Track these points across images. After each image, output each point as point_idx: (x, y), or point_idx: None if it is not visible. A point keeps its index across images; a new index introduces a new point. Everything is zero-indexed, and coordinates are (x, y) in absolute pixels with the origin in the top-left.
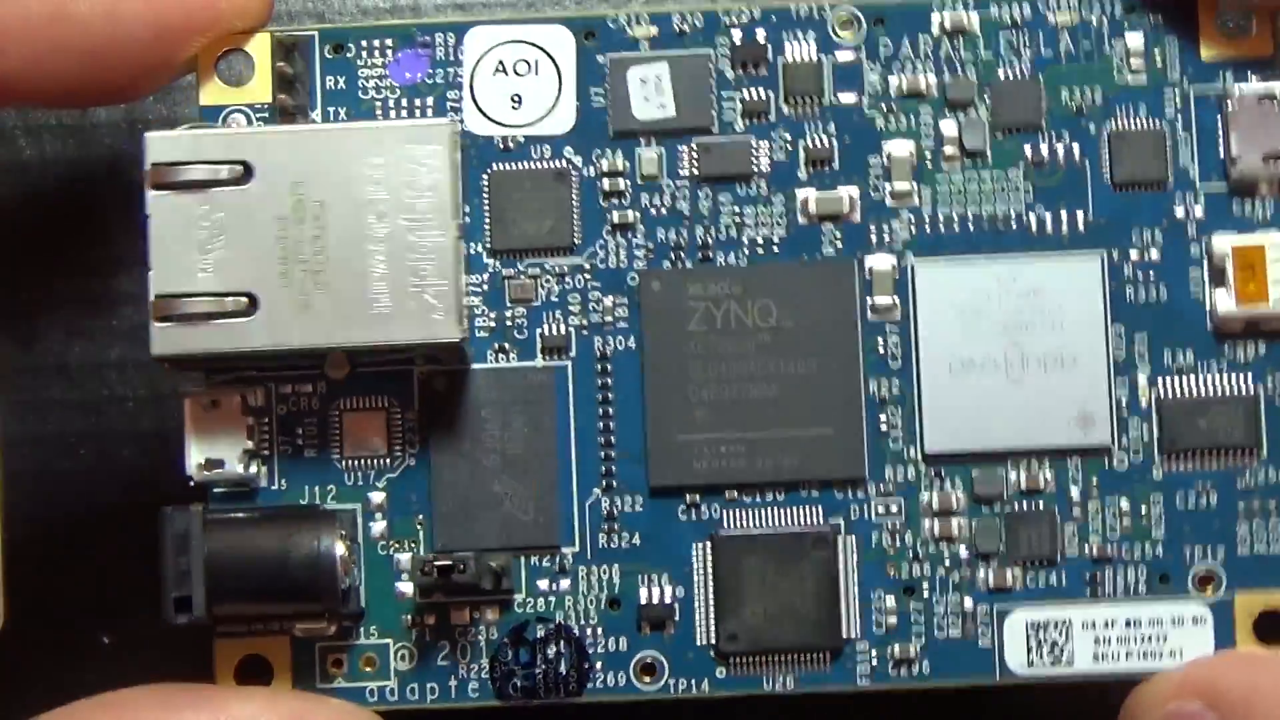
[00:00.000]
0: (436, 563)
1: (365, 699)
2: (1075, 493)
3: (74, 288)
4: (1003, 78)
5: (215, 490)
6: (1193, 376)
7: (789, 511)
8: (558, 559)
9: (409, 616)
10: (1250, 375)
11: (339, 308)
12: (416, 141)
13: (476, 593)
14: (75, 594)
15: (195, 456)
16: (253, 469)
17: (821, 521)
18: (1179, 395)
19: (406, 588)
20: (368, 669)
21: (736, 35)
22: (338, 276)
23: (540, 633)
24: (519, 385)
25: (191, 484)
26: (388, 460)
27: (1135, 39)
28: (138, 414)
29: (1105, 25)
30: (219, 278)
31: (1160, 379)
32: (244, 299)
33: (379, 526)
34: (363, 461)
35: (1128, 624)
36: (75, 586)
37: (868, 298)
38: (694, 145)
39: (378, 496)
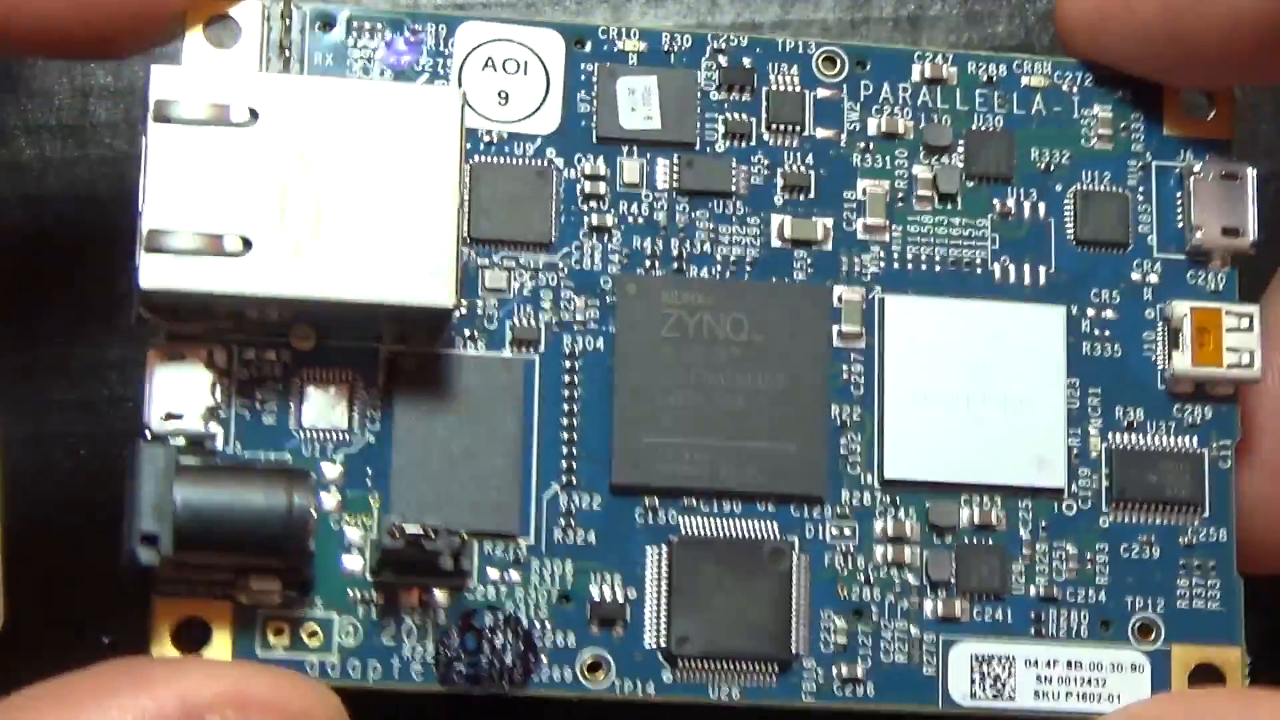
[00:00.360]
0: (406, 528)
1: (306, 671)
2: (1025, 533)
3: (74, 288)
4: (976, 130)
5: (171, 445)
6: (1142, 434)
7: (745, 524)
8: (512, 549)
9: (357, 592)
10: (1197, 438)
11: (335, 261)
12: (427, 106)
13: (430, 572)
14: (75, 594)
15: (157, 408)
16: (211, 427)
17: (777, 537)
18: (1130, 447)
19: (354, 563)
20: (311, 641)
21: (723, 60)
22: (336, 230)
23: (489, 621)
24: (487, 373)
25: (149, 436)
26: (347, 435)
27: (1103, 110)
28: (138, 414)
29: (1075, 93)
30: (214, 218)
31: (1111, 433)
32: (238, 241)
33: (331, 500)
34: (321, 433)
35: (1069, 665)
36: (75, 586)
37: (835, 325)
38: (677, 158)
39: (333, 470)
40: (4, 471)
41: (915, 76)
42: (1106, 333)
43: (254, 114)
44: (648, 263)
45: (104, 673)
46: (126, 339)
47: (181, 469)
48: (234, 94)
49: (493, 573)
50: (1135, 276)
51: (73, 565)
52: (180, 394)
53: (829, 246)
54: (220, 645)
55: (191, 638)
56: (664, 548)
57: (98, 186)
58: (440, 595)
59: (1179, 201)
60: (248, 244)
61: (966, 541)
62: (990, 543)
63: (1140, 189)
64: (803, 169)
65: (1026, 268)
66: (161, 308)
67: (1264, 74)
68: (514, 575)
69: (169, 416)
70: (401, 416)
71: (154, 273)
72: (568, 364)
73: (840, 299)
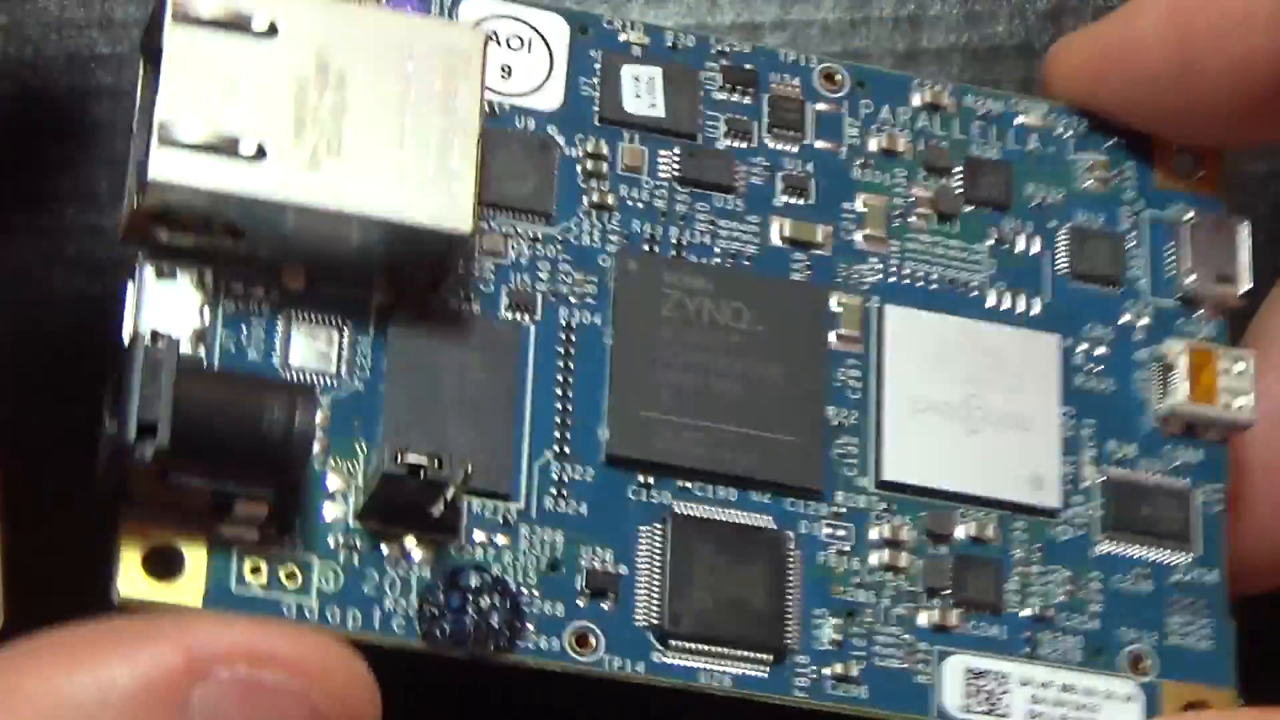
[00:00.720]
0: (408, 456)
1: (281, 613)
2: (1020, 551)
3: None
4: (976, 157)
5: (174, 340)
6: (1134, 469)
7: (739, 512)
8: (501, 512)
9: (339, 537)
10: (1189, 479)
11: (351, 176)
12: (451, 41)
13: (419, 521)
14: (75, 592)
15: (145, 324)
16: (200, 351)
17: (773, 527)
18: (1125, 479)
19: (334, 511)
20: (289, 583)
21: (725, 63)
22: (354, 146)
23: (475, 581)
24: (483, 334)
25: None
26: (335, 380)
27: (1097, 155)
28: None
29: (1070, 138)
30: (230, 122)
31: (1105, 464)
32: (253, 147)
33: (315, 445)
34: (307, 376)
35: (1064, 688)
36: (75, 587)
37: (833, 329)
38: (678, 149)
39: (318, 414)
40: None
41: (915, 101)
42: (1100, 368)
43: (274, 28)
44: (646, 246)
45: (106, 626)
46: None
47: (183, 368)
48: (255, 4)
49: (480, 534)
50: (1127, 318)
51: (72, 564)
52: (170, 314)
53: (828, 252)
54: (193, 579)
55: (161, 569)
56: (657, 525)
57: (98, 186)
58: (425, 550)
59: (1170, 249)
60: (262, 153)
61: (962, 553)
62: (985, 557)
63: (1133, 234)
64: (803, 174)
65: (1022, 297)
66: (159, 214)
67: (1266, 128)
68: (501, 539)
69: (157, 337)
70: (394, 367)
71: (165, 165)
72: (563, 335)
73: (839, 303)
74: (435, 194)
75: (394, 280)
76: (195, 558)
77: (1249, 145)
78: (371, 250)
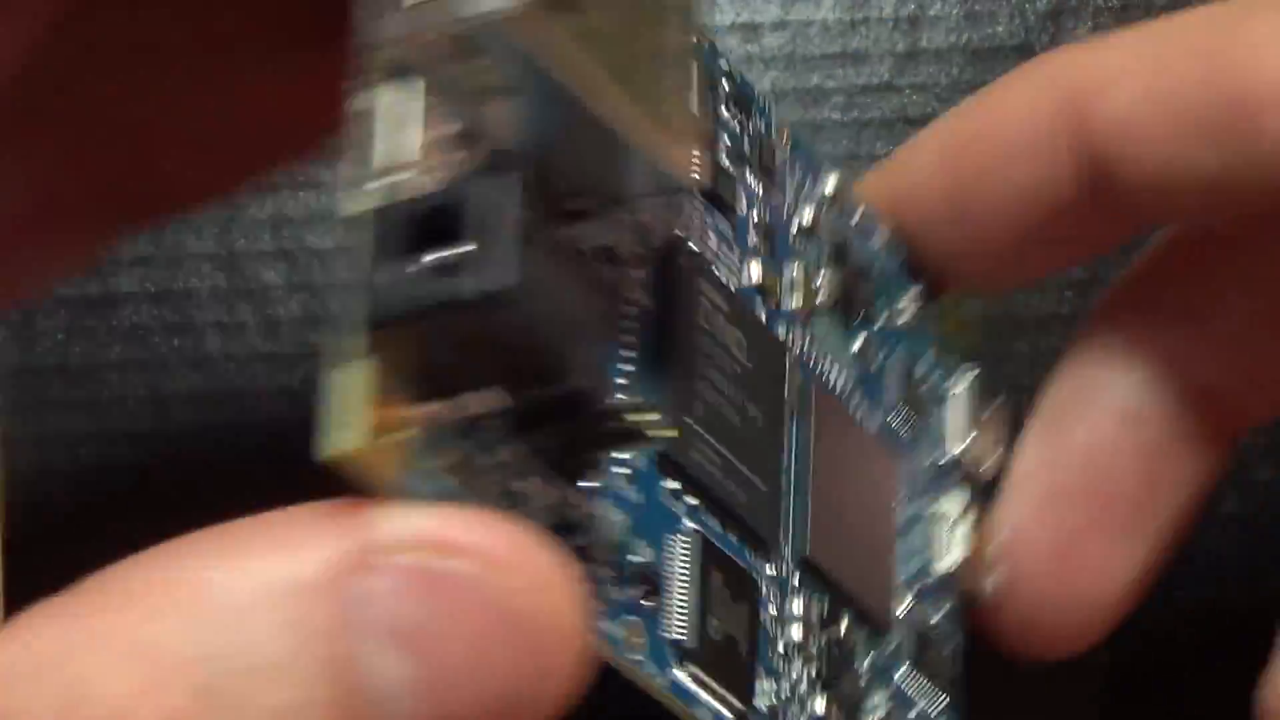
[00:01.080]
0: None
1: None
2: (863, 662)
3: (74, 287)
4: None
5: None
6: (920, 610)
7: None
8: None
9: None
10: (955, 628)
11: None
12: None
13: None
14: None
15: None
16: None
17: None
18: (916, 616)
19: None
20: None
21: (727, 86)
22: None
23: (580, 541)
24: (589, 279)
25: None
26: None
27: (917, 288)
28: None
29: (903, 265)
30: None
31: (908, 598)
32: None
33: None
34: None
35: None
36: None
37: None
38: (697, 154)
39: None
40: (4, 471)
41: (826, 187)
42: (906, 504)
43: None
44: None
45: (272, 515)
46: (126, 339)
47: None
48: None
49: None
50: (922, 461)
51: (73, 567)
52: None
53: (777, 309)
54: (395, 452)
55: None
56: (684, 538)
57: None
58: (547, 491)
59: (946, 411)
60: None
61: (840, 649)
62: (850, 658)
63: (934, 374)
64: (768, 222)
65: (873, 413)
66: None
67: (1043, 263)
68: (585, 510)
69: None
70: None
71: None
72: (625, 309)
73: (785, 363)
74: (664, 130)
75: (550, 196)
76: (409, 432)
77: (1029, 284)
78: (570, 157)
